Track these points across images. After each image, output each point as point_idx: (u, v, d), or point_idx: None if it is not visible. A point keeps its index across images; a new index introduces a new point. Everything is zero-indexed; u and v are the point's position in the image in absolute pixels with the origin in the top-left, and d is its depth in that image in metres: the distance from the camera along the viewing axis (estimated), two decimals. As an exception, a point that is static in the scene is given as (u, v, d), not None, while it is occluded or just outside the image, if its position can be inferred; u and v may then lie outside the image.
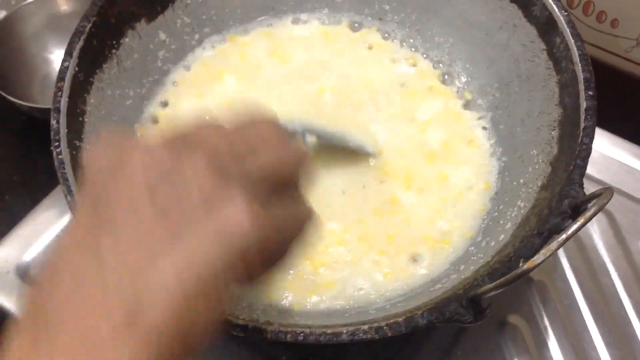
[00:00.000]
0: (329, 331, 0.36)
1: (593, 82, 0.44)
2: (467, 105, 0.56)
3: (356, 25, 0.60)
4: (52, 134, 0.43)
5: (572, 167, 0.41)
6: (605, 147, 0.60)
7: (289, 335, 0.36)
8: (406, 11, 0.59)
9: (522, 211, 0.45)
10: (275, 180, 0.26)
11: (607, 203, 0.34)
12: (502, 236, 0.45)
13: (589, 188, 0.39)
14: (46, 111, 0.59)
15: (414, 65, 0.58)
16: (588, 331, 0.52)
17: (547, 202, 0.42)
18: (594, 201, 0.35)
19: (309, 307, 0.46)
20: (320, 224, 0.48)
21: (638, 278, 0.54)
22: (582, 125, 0.42)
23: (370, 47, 0.59)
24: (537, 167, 0.47)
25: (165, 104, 0.55)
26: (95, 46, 0.48)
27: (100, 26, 0.48)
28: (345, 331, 0.36)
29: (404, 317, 0.36)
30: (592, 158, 0.41)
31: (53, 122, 0.43)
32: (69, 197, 0.41)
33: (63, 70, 0.45)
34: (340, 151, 0.51)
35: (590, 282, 0.54)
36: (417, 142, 0.54)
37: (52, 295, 0.23)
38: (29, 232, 0.55)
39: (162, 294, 0.22)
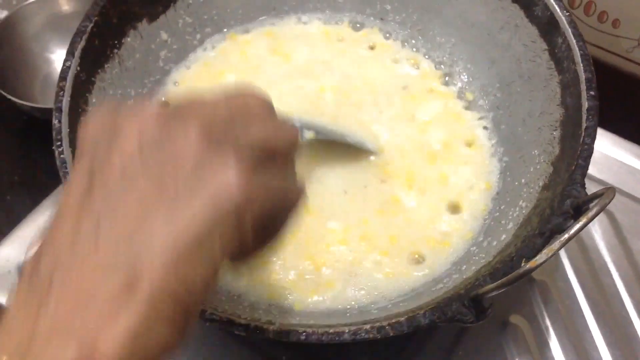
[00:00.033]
0: (331, 330, 0.36)
1: (595, 82, 0.44)
2: (468, 106, 0.56)
3: (358, 25, 0.60)
4: (54, 133, 0.43)
5: (573, 167, 0.41)
6: (607, 147, 0.60)
7: (291, 335, 0.36)
8: (407, 11, 0.59)
9: (523, 211, 0.45)
10: (265, 150, 0.27)
11: (609, 203, 0.34)
12: (504, 236, 0.45)
13: (590, 188, 0.39)
14: (47, 111, 0.59)
15: (416, 65, 0.58)
16: (589, 331, 0.52)
17: (549, 202, 0.42)
18: (596, 201, 0.35)
19: (310, 306, 0.46)
20: (321, 222, 0.49)
21: (639, 278, 0.54)
22: (584, 125, 0.42)
23: (371, 47, 0.59)
24: (538, 167, 0.47)
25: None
26: (97, 46, 0.48)
27: (102, 26, 0.48)
28: (347, 331, 0.36)
29: (406, 316, 0.36)
30: (593, 158, 0.41)
31: (55, 121, 0.43)
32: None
33: (65, 70, 0.45)
34: (340, 148, 0.51)
35: (591, 282, 0.54)
36: (418, 142, 0.54)
37: (50, 262, 0.24)
38: (30, 232, 0.55)
39: (158, 258, 0.23)
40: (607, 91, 0.47)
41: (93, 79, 0.48)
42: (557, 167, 0.44)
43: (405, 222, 0.49)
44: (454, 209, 0.50)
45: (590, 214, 0.33)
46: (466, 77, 0.57)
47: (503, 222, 0.47)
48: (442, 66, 0.58)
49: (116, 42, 0.50)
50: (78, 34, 0.47)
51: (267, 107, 0.29)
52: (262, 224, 0.27)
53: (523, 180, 0.48)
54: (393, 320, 0.36)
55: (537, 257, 0.33)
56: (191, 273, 0.24)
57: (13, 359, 0.22)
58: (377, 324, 0.36)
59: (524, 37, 0.51)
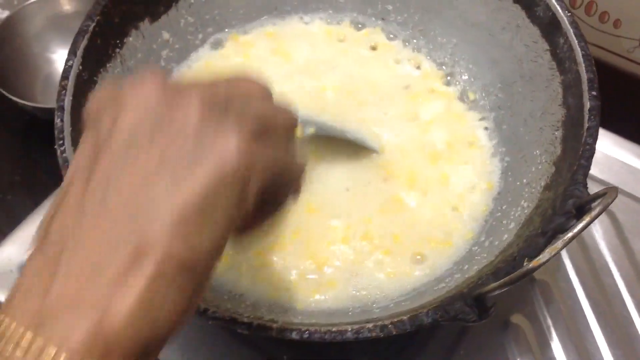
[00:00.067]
0: (334, 329, 0.36)
1: (596, 82, 0.44)
2: (470, 106, 0.56)
3: (359, 25, 0.60)
4: (56, 132, 0.43)
5: (575, 167, 0.41)
6: (608, 148, 0.60)
7: (294, 333, 0.36)
8: (409, 12, 0.59)
9: (525, 211, 0.45)
10: (265, 124, 0.27)
11: (611, 202, 0.34)
12: (506, 236, 0.45)
13: (592, 188, 0.39)
14: (48, 111, 0.59)
15: (417, 65, 0.58)
16: (591, 331, 0.52)
17: (551, 202, 0.42)
18: (599, 200, 0.35)
19: (312, 306, 0.46)
20: (323, 220, 0.49)
21: (640, 278, 0.55)
22: (586, 125, 0.42)
23: (373, 48, 0.59)
24: (540, 167, 0.47)
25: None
26: (99, 45, 0.48)
27: (104, 25, 0.48)
28: (350, 329, 0.36)
29: (409, 315, 0.36)
30: (595, 158, 0.41)
31: (57, 120, 0.43)
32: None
33: (67, 69, 0.45)
34: (342, 146, 0.51)
35: (592, 282, 0.54)
36: (419, 142, 0.54)
37: (60, 230, 0.24)
38: (31, 232, 0.55)
39: (165, 224, 0.23)
40: (608, 91, 0.47)
41: (95, 78, 0.48)
42: (559, 167, 0.44)
43: (407, 221, 0.49)
44: (456, 208, 0.51)
45: (594, 213, 0.33)
46: (468, 77, 0.57)
47: (505, 222, 0.47)
48: (443, 66, 0.58)
49: (118, 41, 0.50)
50: (80, 34, 0.47)
51: (266, 91, 0.30)
52: (263, 195, 0.27)
53: (525, 181, 0.48)
54: (396, 319, 0.36)
55: (539, 257, 0.33)
56: (197, 238, 0.24)
57: (29, 330, 0.22)
58: (380, 323, 0.36)
59: (525, 38, 0.51)
